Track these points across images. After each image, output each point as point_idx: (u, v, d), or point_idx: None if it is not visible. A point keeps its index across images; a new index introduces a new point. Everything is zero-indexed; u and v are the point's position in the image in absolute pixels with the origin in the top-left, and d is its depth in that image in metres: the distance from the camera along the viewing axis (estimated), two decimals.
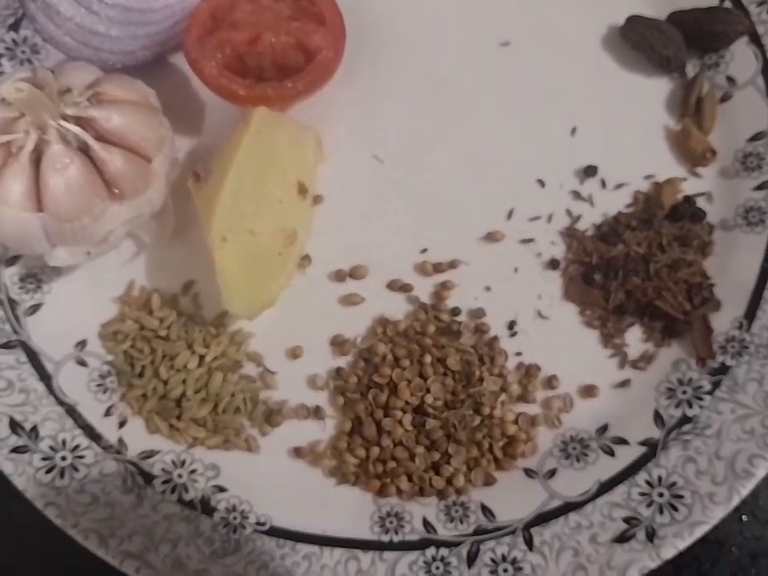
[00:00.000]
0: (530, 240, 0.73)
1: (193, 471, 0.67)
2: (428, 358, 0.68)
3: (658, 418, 0.67)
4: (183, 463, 0.67)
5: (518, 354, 0.70)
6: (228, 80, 0.69)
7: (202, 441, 0.68)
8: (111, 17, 0.73)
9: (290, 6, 0.72)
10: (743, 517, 0.70)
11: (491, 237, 0.73)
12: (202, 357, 0.69)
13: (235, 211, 0.66)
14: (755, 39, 0.75)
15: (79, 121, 0.65)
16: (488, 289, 0.72)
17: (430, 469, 0.66)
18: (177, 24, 0.75)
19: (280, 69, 0.71)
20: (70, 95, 0.66)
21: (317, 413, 0.69)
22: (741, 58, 0.75)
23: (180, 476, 0.67)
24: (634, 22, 0.76)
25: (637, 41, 0.76)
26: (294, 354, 0.70)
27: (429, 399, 0.67)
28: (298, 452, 0.68)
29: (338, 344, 0.70)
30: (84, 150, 0.65)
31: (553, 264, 0.72)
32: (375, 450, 0.67)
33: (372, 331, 0.71)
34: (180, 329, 0.70)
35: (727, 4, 0.76)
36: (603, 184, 0.74)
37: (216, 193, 0.66)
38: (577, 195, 0.74)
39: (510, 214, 0.74)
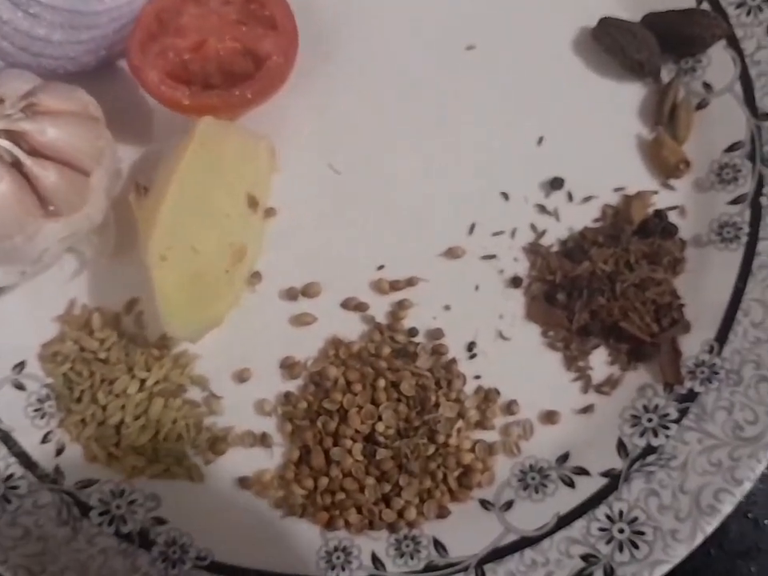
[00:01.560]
0: (492, 256, 0.70)
1: (132, 502, 0.64)
2: (381, 383, 0.65)
3: (621, 447, 0.64)
4: (122, 493, 0.64)
5: (477, 377, 0.67)
6: (170, 88, 0.66)
7: (141, 470, 0.65)
8: (52, 20, 0.70)
9: (239, 10, 0.68)
10: (711, 551, 0.67)
11: (451, 253, 0.70)
12: (142, 381, 0.66)
13: (176, 227, 0.63)
14: (733, 43, 0.71)
15: (11, 134, 0.62)
16: (447, 308, 0.69)
17: (380, 501, 0.63)
18: (123, 28, 0.71)
19: (228, 76, 0.68)
20: (1, 107, 0.62)
21: (264, 440, 0.66)
22: (718, 62, 0.71)
23: (118, 507, 0.64)
24: (606, 24, 0.72)
25: (609, 44, 0.72)
26: (242, 377, 0.67)
27: (380, 427, 0.64)
28: (243, 482, 0.65)
29: (288, 366, 0.67)
30: (16, 165, 0.62)
31: (515, 282, 0.69)
32: (324, 481, 0.64)
33: (324, 353, 0.68)
34: (121, 351, 0.67)
35: (705, 6, 0.72)
36: (570, 197, 0.70)
37: (156, 208, 0.63)
38: (542, 209, 0.70)
39: (471, 229, 0.70)
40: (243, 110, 0.68)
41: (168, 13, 0.68)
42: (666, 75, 0.73)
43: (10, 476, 0.64)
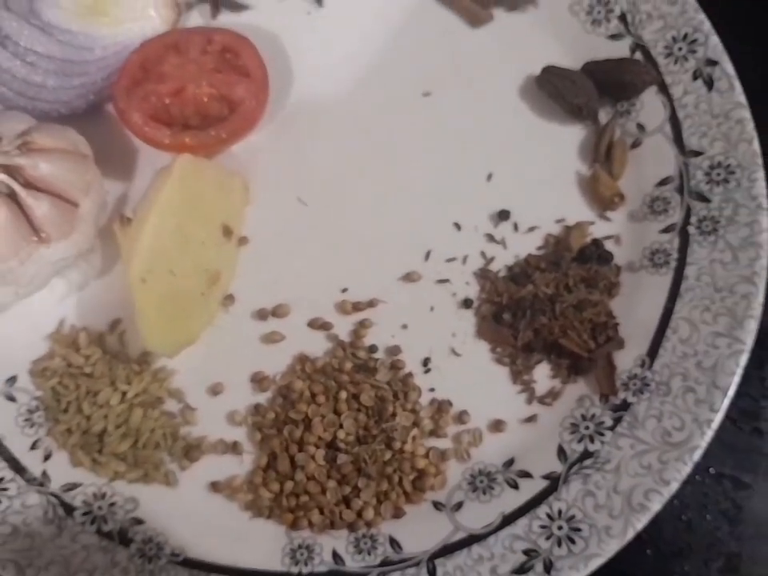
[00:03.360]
0: (446, 280, 0.76)
1: (112, 504, 0.69)
2: (343, 394, 0.71)
3: (561, 452, 0.70)
4: (104, 496, 0.70)
5: (432, 389, 0.73)
6: (152, 129, 0.73)
7: (122, 474, 0.70)
8: (47, 68, 0.77)
9: (216, 59, 0.76)
10: (647, 551, 0.72)
11: (409, 277, 0.76)
12: (124, 393, 0.72)
13: (156, 253, 0.70)
14: (663, 89, 0.78)
15: (7, 168, 0.68)
16: (405, 327, 0.75)
17: (340, 502, 0.69)
18: (110, 75, 0.79)
19: (205, 118, 0.75)
20: (0, 144, 0.69)
21: (235, 448, 0.71)
22: (650, 106, 0.79)
23: (100, 508, 0.69)
24: (548, 72, 0.80)
25: (551, 90, 0.79)
26: (215, 390, 0.73)
27: (341, 435, 0.70)
28: (215, 486, 0.70)
29: (258, 381, 0.73)
30: (12, 196, 0.68)
31: (467, 303, 0.75)
32: (289, 485, 0.69)
33: (291, 368, 0.74)
34: (104, 366, 0.73)
35: (637, 56, 0.80)
36: (516, 227, 0.77)
37: (137, 236, 0.70)
38: (491, 238, 0.77)
39: (427, 256, 0.77)
40: (219, 148, 0.75)
41: (151, 62, 0.76)
42: (603, 117, 0.80)
43: (1, 479, 0.69)
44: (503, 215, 0.77)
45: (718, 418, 0.67)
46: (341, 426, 0.70)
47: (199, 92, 0.74)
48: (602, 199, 0.77)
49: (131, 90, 0.74)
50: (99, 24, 0.79)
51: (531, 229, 0.77)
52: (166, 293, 0.70)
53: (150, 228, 0.69)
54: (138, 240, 0.69)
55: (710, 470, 0.74)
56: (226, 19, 0.85)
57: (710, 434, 0.67)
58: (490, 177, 0.79)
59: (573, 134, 0.80)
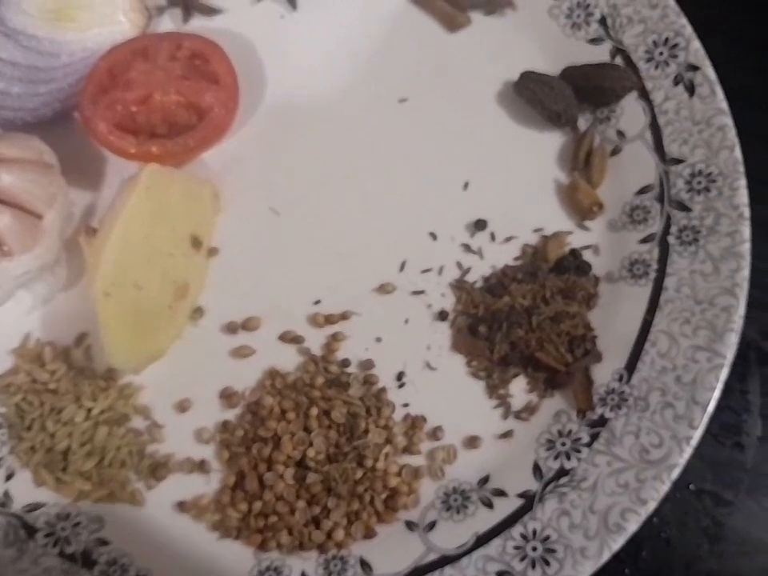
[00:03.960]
0: (421, 292, 0.74)
1: (77, 524, 0.68)
2: (314, 411, 0.69)
3: (536, 470, 0.68)
4: (68, 516, 0.68)
5: (405, 405, 0.71)
6: (118, 138, 0.71)
7: (87, 494, 0.69)
8: (12, 75, 0.75)
9: (184, 66, 0.74)
10: (626, 570, 0.70)
11: (383, 288, 0.74)
12: (89, 410, 0.70)
13: (120, 266, 0.68)
14: (644, 95, 0.77)
15: None
16: (379, 340, 0.73)
17: (310, 523, 0.67)
18: (77, 82, 0.77)
19: (173, 126, 0.73)
20: None
21: (202, 467, 0.70)
22: (631, 112, 0.77)
23: (63, 529, 0.67)
24: (526, 78, 0.78)
25: (529, 97, 0.77)
26: (182, 406, 0.71)
27: (311, 453, 0.68)
28: (182, 506, 0.68)
29: (227, 396, 0.71)
30: None
31: (442, 315, 0.73)
32: (257, 505, 0.67)
33: (261, 384, 0.72)
34: (69, 382, 0.71)
35: (618, 60, 0.78)
36: (493, 237, 0.75)
37: (102, 248, 0.68)
38: (467, 248, 0.75)
39: (402, 266, 0.75)
40: (187, 157, 0.73)
41: (119, 68, 0.74)
42: (584, 124, 0.78)
43: None
44: (480, 225, 0.76)
45: (698, 434, 0.65)
46: (311, 444, 0.68)
47: (166, 100, 0.72)
48: (581, 208, 0.75)
49: (97, 98, 0.72)
50: (66, 29, 0.77)
51: (508, 239, 0.75)
52: (130, 307, 0.68)
53: (114, 240, 0.68)
54: (102, 253, 0.67)
55: (690, 486, 0.72)
56: (198, 23, 0.83)
57: (688, 452, 0.65)
58: (466, 185, 0.77)
59: (551, 141, 0.78)
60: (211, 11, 0.83)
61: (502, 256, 0.75)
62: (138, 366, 0.69)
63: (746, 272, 0.69)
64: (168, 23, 0.83)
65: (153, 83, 0.72)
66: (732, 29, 0.85)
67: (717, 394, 0.66)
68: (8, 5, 0.75)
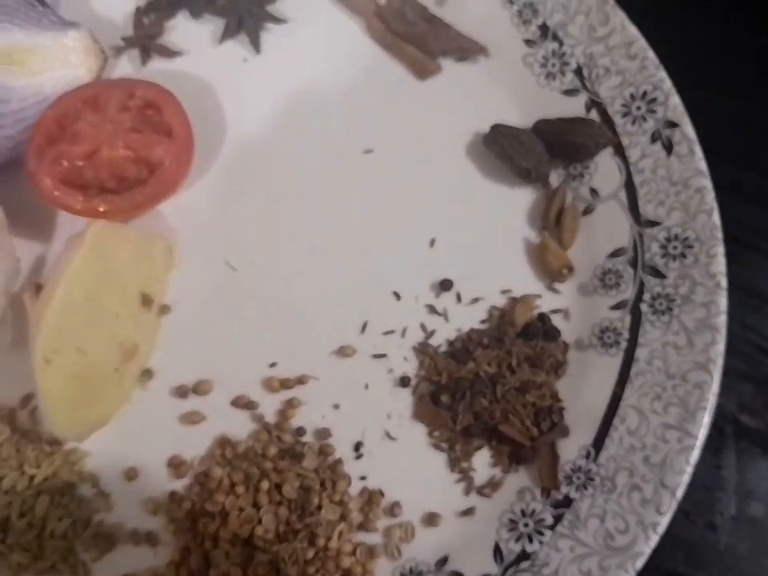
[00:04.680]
0: (383, 355, 0.71)
1: None
2: (265, 484, 0.66)
3: (497, 551, 0.65)
4: None
5: (363, 477, 0.68)
6: (64, 194, 0.68)
7: (26, 566, 0.65)
8: None
9: (135, 117, 0.70)
10: None
11: (343, 351, 0.71)
12: (32, 477, 0.67)
13: (62, 331, 0.64)
14: (620, 151, 0.73)
15: None
16: (336, 407, 0.70)
17: None
18: (27, 129, 0.73)
19: (122, 181, 0.70)
20: None
21: (150, 539, 0.66)
22: (605, 169, 0.74)
23: None
24: (496, 131, 0.74)
25: (498, 151, 0.74)
26: (129, 475, 0.68)
27: (259, 531, 0.64)
28: None
29: (175, 466, 0.68)
30: None
31: (404, 381, 0.70)
32: None
33: (211, 453, 0.68)
34: (12, 447, 0.68)
35: (593, 113, 0.74)
36: (459, 298, 0.72)
37: (43, 312, 0.64)
38: (432, 309, 0.72)
39: (363, 328, 0.72)
40: (137, 213, 0.70)
41: (67, 118, 0.70)
42: (556, 179, 0.75)
43: None
44: (446, 285, 0.72)
45: (665, 521, 0.62)
46: (260, 522, 0.65)
47: (115, 154, 0.69)
48: (551, 270, 0.72)
49: (43, 151, 0.69)
50: (16, 74, 0.73)
51: (475, 300, 0.72)
52: (73, 373, 0.65)
53: (55, 304, 0.64)
54: (43, 318, 0.64)
55: (660, 568, 0.68)
56: (157, 66, 0.79)
57: (655, 539, 0.62)
58: (432, 242, 0.74)
59: (522, 198, 0.75)
60: (171, 53, 0.79)
61: (467, 318, 0.72)
62: (80, 434, 0.66)
63: (720, 346, 0.65)
64: (126, 65, 0.79)
65: (101, 137, 0.69)
66: (715, 77, 0.81)
67: (686, 478, 0.63)
68: None
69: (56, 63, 0.74)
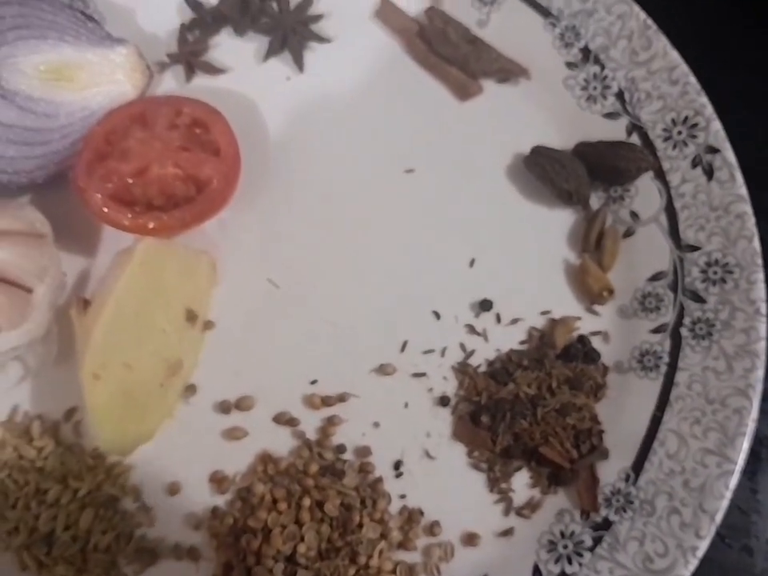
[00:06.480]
0: (423, 374, 0.72)
1: None
2: (307, 501, 0.67)
3: (536, 572, 0.66)
4: None
5: (402, 496, 0.69)
6: (113, 211, 0.69)
7: None
8: (7, 137, 0.73)
9: (183, 135, 0.71)
10: None
11: (383, 369, 0.72)
12: (75, 491, 0.68)
13: (110, 346, 0.65)
14: (660, 175, 0.74)
15: None
16: (376, 425, 0.70)
17: None
18: (74, 144, 0.74)
19: (170, 198, 0.70)
20: None
21: (191, 554, 0.67)
22: (645, 193, 0.74)
23: None
24: (537, 153, 0.75)
25: (539, 173, 0.75)
26: (172, 489, 0.69)
27: (302, 548, 0.65)
28: None
29: (217, 481, 0.69)
30: None
31: (443, 401, 0.71)
32: None
33: (252, 469, 0.69)
34: (56, 460, 0.69)
35: (634, 137, 0.75)
36: (498, 318, 0.73)
37: (92, 327, 0.65)
38: (471, 329, 0.73)
39: (403, 347, 0.72)
40: (182, 230, 0.71)
41: (116, 134, 0.71)
42: (596, 202, 0.75)
43: None
44: (485, 305, 0.73)
45: (704, 545, 0.63)
46: (302, 539, 0.65)
47: (164, 172, 0.69)
48: (591, 292, 0.72)
49: (93, 167, 0.70)
50: (64, 90, 0.74)
51: (514, 321, 0.73)
52: (120, 388, 0.66)
53: (105, 320, 0.65)
54: (92, 333, 0.65)
55: None
56: (201, 83, 0.80)
57: (694, 563, 0.62)
58: (472, 262, 0.74)
59: (562, 220, 0.75)
60: (216, 70, 0.80)
61: (507, 339, 0.72)
62: (126, 449, 0.67)
63: (760, 372, 0.66)
64: (170, 81, 0.80)
65: (150, 155, 0.70)
66: (759, 101, 0.81)
67: (725, 503, 0.63)
68: (4, 65, 0.72)
69: (103, 78, 0.75)
